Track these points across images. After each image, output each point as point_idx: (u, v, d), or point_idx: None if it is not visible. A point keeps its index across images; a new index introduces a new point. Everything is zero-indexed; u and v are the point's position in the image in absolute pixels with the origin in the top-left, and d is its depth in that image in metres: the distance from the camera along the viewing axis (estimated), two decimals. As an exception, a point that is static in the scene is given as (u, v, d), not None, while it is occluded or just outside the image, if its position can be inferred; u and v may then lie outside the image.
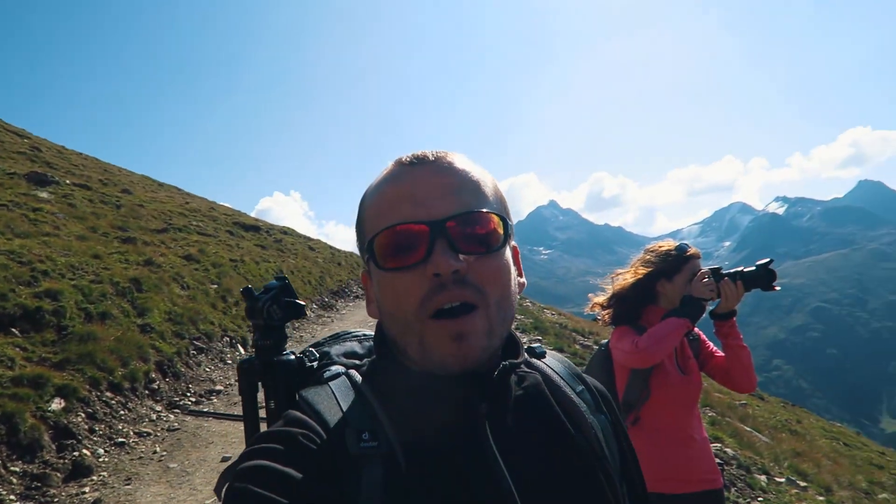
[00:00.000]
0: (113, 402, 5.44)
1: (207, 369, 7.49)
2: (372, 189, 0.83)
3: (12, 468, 4.11)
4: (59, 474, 4.28)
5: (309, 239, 27.82)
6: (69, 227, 10.12)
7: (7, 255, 6.73)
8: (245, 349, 9.02)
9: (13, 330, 5.48)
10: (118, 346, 6.02)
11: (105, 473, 4.45)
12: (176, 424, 5.58)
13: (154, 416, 5.67)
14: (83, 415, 4.98)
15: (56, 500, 4.02)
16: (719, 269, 2.41)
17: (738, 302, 2.37)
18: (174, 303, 8.41)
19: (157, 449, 4.97)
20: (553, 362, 0.95)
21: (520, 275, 0.87)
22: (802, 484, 6.45)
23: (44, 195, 11.64)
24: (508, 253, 0.81)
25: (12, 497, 3.89)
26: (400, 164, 0.81)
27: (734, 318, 2.42)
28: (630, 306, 2.49)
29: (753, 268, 2.36)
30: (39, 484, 4.13)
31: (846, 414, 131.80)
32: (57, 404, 4.80)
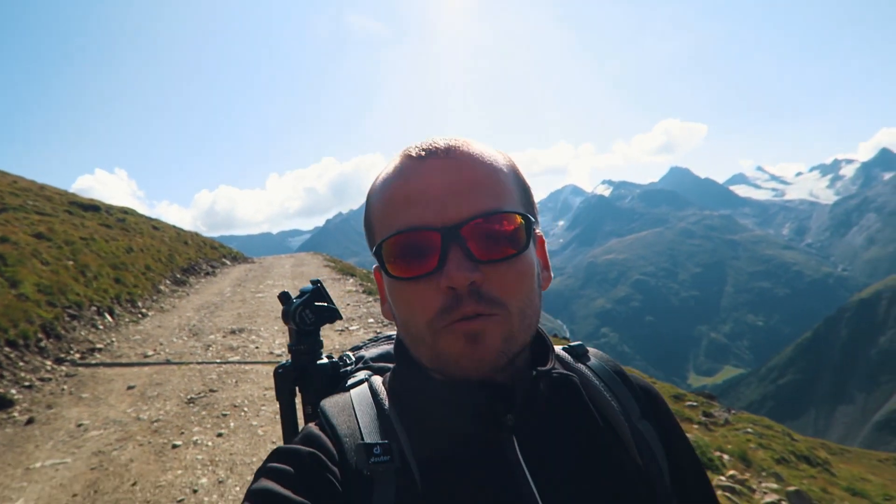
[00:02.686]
0: (12, 355, 6.27)
1: (83, 332, 8.25)
2: (378, 185, 0.76)
3: (-53, 401, 5.00)
4: (-14, 405, 5.23)
5: (151, 219, 27.01)
6: None
7: None
8: (112, 317, 9.72)
9: None
10: (7, 311, 6.76)
11: (25, 404, 5.44)
12: (72, 372, 6.53)
13: (49, 367, 6.56)
14: (-8, 363, 5.83)
15: (-9, 422, 5.01)
16: None
17: None
18: (40, 276, 8.92)
19: (65, 387, 5.98)
20: (595, 363, 0.88)
21: (545, 268, 0.80)
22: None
23: None
24: (532, 251, 0.74)
25: (-45, 420, 4.83)
26: (408, 157, 0.73)
27: None
28: None
29: None
30: (-28, 412, 5.07)
31: (660, 373, 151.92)
32: (-31, 354, 5.63)
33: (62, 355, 7.24)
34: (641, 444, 0.78)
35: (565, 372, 0.81)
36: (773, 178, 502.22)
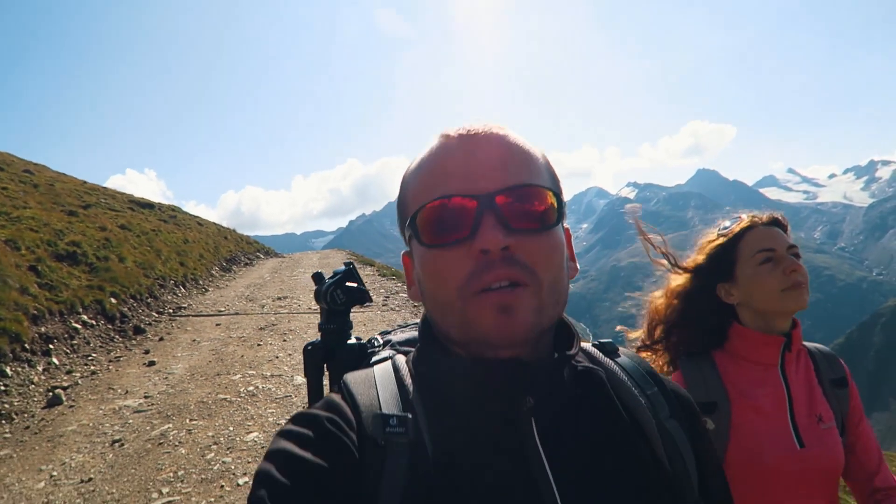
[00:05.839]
0: (134, 305, 9.08)
1: (169, 297, 11.06)
2: (415, 165, 0.79)
3: (107, 326, 7.80)
4: (130, 331, 8.01)
5: (196, 217, 30.24)
6: (29, 201, 12.90)
7: (31, 220, 9.92)
8: (185, 289, 12.54)
9: (62, 264, 8.92)
10: (127, 276, 9.59)
11: (152, 333, 8.21)
12: (172, 319, 9.31)
13: (155, 316, 9.35)
14: (126, 308, 8.63)
15: (135, 340, 7.77)
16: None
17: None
18: (134, 256, 11.80)
19: (172, 325, 8.76)
20: (625, 360, 0.87)
21: (572, 259, 0.80)
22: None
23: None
24: (561, 231, 0.76)
25: (117, 338, 7.61)
26: (445, 137, 0.76)
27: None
28: (695, 336, 1.57)
29: None
30: (123, 332, 7.85)
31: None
32: (114, 300, 8.44)
33: (160, 309, 10.06)
34: (668, 442, 0.77)
35: (591, 365, 0.80)
36: (805, 180, 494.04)
